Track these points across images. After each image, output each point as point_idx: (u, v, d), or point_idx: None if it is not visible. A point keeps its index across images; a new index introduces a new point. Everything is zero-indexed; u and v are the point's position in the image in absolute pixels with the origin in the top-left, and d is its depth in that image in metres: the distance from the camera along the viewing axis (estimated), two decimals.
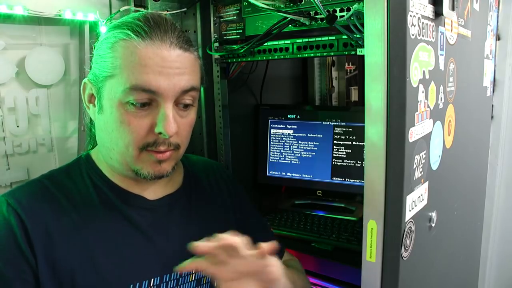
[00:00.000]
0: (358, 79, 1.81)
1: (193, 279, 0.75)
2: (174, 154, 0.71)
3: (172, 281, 0.72)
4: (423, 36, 0.64)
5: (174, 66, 0.65)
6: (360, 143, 1.16)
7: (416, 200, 0.67)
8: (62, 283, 0.64)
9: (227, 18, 1.05)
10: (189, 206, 0.80)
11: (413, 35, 0.61)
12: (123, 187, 0.73)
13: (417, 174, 0.67)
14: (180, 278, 0.73)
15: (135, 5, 1.01)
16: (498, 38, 1.24)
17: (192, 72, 0.69)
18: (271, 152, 1.29)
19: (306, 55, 0.92)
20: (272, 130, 1.29)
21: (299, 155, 1.25)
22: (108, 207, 0.71)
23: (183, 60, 0.67)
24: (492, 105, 1.27)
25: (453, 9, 0.72)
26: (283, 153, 1.27)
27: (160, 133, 0.66)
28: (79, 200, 0.69)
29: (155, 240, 0.72)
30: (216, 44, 1.08)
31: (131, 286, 0.67)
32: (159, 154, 0.68)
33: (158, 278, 0.70)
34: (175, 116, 0.67)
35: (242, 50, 0.99)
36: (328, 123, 1.21)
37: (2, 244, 0.63)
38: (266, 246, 0.64)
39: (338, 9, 0.82)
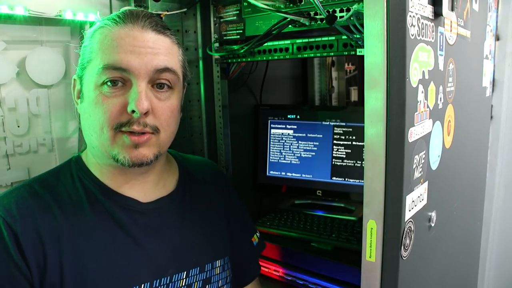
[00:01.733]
0: (357, 79, 1.81)
1: (183, 284, 0.74)
2: (154, 139, 0.69)
3: (163, 286, 0.72)
4: (422, 36, 0.65)
5: (146, 46, 0.67)
6: (360, 143, 1.17)
7: (415, 200, 0.67)
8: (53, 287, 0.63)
9: (227, 19, 1.05)
10: (182, 211, 0.79)
11: (412, 35, 0.61)
12: (113, 188, 0.72)
13: (417, 174, 0.67)
14: (171, 284, 0.73)
15: (136, 5, 1.01)
16: (497, 38, 1.24)
17: (168, 54, 0.70)
18: (271, 152, 1.30)
19: (306, 55, 0.92)
20: (272, 130, 1.30)
21: (299, 155, 1.25)
22: (97, 210, 0.70)
23: (157, 41, 0.68)
24: (492, 105, 1.27)
25: (452, 9, 0.73)
26: (283, 153, 1.28)
27: (133, 111, 0.65)
28: (69, 203, 0.69)
29: (146, 244, 0.71)
30: (216, 45, 1.09)
31: None
32: (133, 137, 0.66)
33: (148, 283, 0.70)
34: (149, 95, 0.67)
35: (242, 51, 0.99)
36: (328, 123, 1.21)
37: None
38: None
39: (338, 10, 0.82)
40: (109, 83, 0.66)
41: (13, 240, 0.62)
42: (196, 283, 0.76)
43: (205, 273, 0.78)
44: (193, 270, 0.76)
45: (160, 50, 0.68)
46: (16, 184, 0.73)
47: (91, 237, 0.68)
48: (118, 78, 0.66)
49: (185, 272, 0.75)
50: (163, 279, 0.72)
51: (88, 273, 0.65)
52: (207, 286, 0.78)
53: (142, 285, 0.69)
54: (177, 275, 0.74)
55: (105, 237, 0.69)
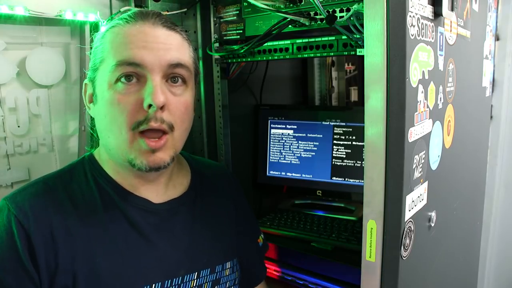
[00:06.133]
0: (358, 79, 1.81)
1: (194, 285, 0.75)
2: (170, 140, 0.69)
3: (174, 287, 0.72)
4: (422, 36, 0.65)
5: (158, 41, 0.67)
6: (360, 143, 1.17)
7: (415, 200, 0.67)
8: (64, 285, 0.63)
9: (227, 19, 1.05)
10: (194, 212, 0.79)
11: (412, 35, 0.61)
12: (127, 187, 0.72)
13: (417, 174, 0.67)
14: (182, 284, 0.73)
15: (136, 6, 1.01)
16: (497, 38, 1.24)
17: (179, 49, 0.70)
18: (271, 152, 1.30)
19: (306, 56, 0.92)
20: (272, 130, 1.30)
21: (299, 155, 1.25)
22: (110, 209, 0.70)
23: (168, 37, 0.68)
24: (491, 105, 1.27)
25: (452, 9, 0.73)
26: (283, 153, 1.28)
27: (149, 106, 0.64)
28: (82, 201, 0.69)
29: (158, 244, 0.72)
30: (216, 45, 1.09)
31: None
32: (151, 142, 0.66)
33: (160, 283, 0.70)
34: (164, 90, 0.67)
35: (242, 51, 0.99)
36: (328, 123, 1.21)
37: (3, 253, 0.62)
38: None
39: (338, 10, 0.82)
40: (123, 79, 0.65)
41: (24, 239, 0.62)
42: (206, 284, 0.76)
43: (215, 274, 0.78)
44: (204, 271, 0.76)
45: (172, 46, 0.68)
46: (30, 181, 0.72)
47: (104, 235, 0.68)
48: (132, 73, 0.65)
49: (196, 273, 0.75)
50: (174, 279, 0.72)
51: (100, 271, 0.65)
52: (216, 287, 0.78)
53: (154, 285, 0.69)
54: (188, 275, 0.74)
55: (117, 236, 0.69)
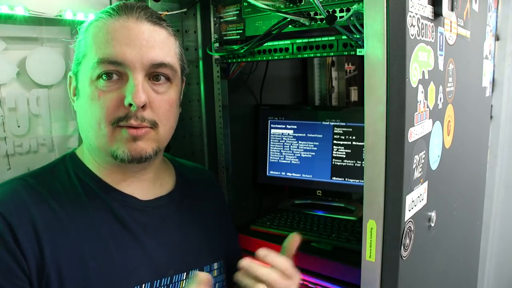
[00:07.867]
0: (358, 79, 1.81)
1: (183, 285, 0.74)
2: (153, 134, 0.68)
3: (163, 287, 0.71)
4: (422, 36, 0.65)
5: (141, 38, 0.65)
6: (360, 143, 1.17)
7: (415, 200, 0.67)
8: (49, 284, 0.61)
9: (227, 19, 1.05)
10: (181, 211, 0.79)
11: (412, 35, 0.61)
12: (111, 184, 0.71)
13: (417, 174, 0.67)
14: (171, 284, 0.72)
15: None
16: (497, 38, 1.24)
17: (163, 47, 0.68)
18: (271, 152, 1.30)
19: (306, 56, 0.92)
20: (272, 130, 1.30)
21: (299, 155, 1.25)
22: (97, 206, 0.68)
23: (153, 33, 0.67)
24: (491, 105, 1.27)
25: (452, 9, 0.73)
26: (283, 153, 1.28)
27: (130, 105, 0.63)
28: (66, 198, 0.67)
29: (146, 243, 0.71)
30: (216, 45, 1.09)
31: None
32: (132, 130, 0.65)
33: (149, 283, 0.69)
34: (146, 88, 0.66)
35: (242, 51, 0.99)
36: (328, 123, 1.21)
37: None
38: None
39: (338, 10, 0.82)
40: (104, 77, 0.64)
41: (9, 233, 0.60)
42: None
43: None
44: (193, 271, 0.76)
45: (155, 43, 0.66)
46: (6, 180, 0.70)
47: (90, 232, 0.66)
48: (114, 71, 0.64)
49: (185, 273, 0.74)
50: (163, 279, 0.71)
51: (86, 270, 0.63)
52: None
53: (143, 285, 0.68)
54: (177, 276, 0.73)
55: (105, 232, 0.67)
